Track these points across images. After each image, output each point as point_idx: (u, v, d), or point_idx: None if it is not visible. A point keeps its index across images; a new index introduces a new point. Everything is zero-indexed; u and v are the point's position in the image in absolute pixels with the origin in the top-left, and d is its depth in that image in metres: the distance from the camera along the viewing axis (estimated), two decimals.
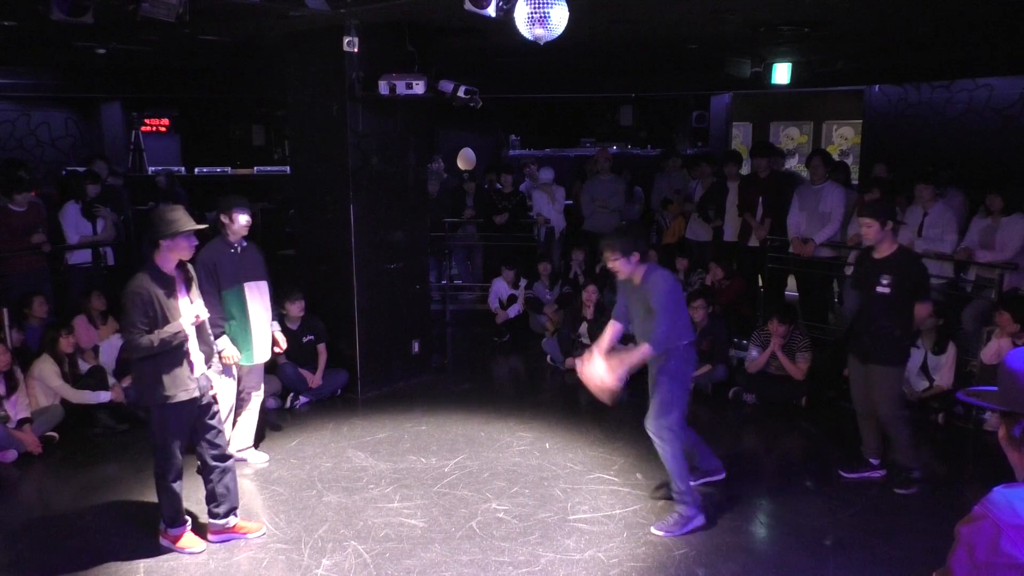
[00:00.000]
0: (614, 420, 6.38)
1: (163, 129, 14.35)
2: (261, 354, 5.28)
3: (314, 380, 6.67)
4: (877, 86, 12.04)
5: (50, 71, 11.56)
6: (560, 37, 5.02)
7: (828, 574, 4.10)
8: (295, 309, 6.65)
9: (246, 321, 5.13)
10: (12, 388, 5.69)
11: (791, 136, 13.79)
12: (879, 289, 4.83)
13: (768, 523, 4.80)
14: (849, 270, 7.66)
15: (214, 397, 4.37)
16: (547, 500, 4.87)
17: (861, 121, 12.64)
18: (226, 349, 4.96)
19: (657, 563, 4.16)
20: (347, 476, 5.24)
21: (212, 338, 4.45)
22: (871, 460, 5.20)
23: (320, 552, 4.26)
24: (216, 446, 4.32)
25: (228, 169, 13.56)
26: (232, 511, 4.39)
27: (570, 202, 10.32)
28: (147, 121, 14.05)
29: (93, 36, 7.55)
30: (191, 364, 4.17)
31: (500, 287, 8.92)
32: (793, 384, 6.56)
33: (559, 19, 4.89)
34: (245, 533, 4.43)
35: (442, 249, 9.78)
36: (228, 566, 4.15)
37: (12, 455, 5.50)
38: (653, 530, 4.46)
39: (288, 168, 9.63)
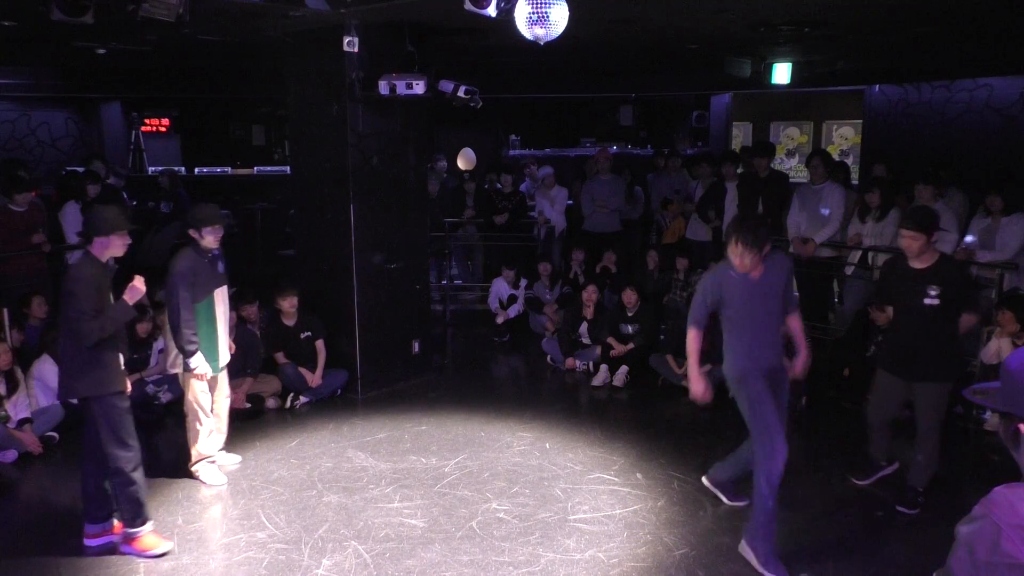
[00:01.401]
0: (614, 420, 6.38)
1: (163, 129, 14.35)
2: (225, 359, 5.25)
3: (314, 379, 6.67)
4: (877, 86, 12.05)
5: (50, 71, 11.58)
6: (560, 37, 5.02)
7: (828, 574, 4.10)
8: (287, 304, 6.67)
9: (215, 329, 5.07)
10: (13, 388, 5.69)
11: (791, 136, 13.79)
12: (927, 301, 4.53)
13: None
14: (850, 270, 7.68)
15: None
16: (547, 500, 4.87)
17: (861, 121, 12.65)
18: (199, 367, 4.92)
19: (657, 563, 4.16)
20: (347, 476, 5.24)
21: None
22: (882, 463, 5.12)
23: (320, 552, 4.26)
24: None
25: (228, 169, 13.57)
26: (113, 513, 4.39)
27: (571, 202, 10.33)
28: (147, 121, 14.05)
29: (93, 36, 7.55)
30: (120, 360, 4.21)
31: (500, 287, 8.92)
32: (793, 384, 6.54)
33: (559, 19, 4.89)
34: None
35: (442, 249, 9.78)
36: (228, 566, 4.15)
37: (12, 455, 5.50)
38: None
39: (288, 168, 9.63)
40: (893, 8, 6.42)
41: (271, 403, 6.55)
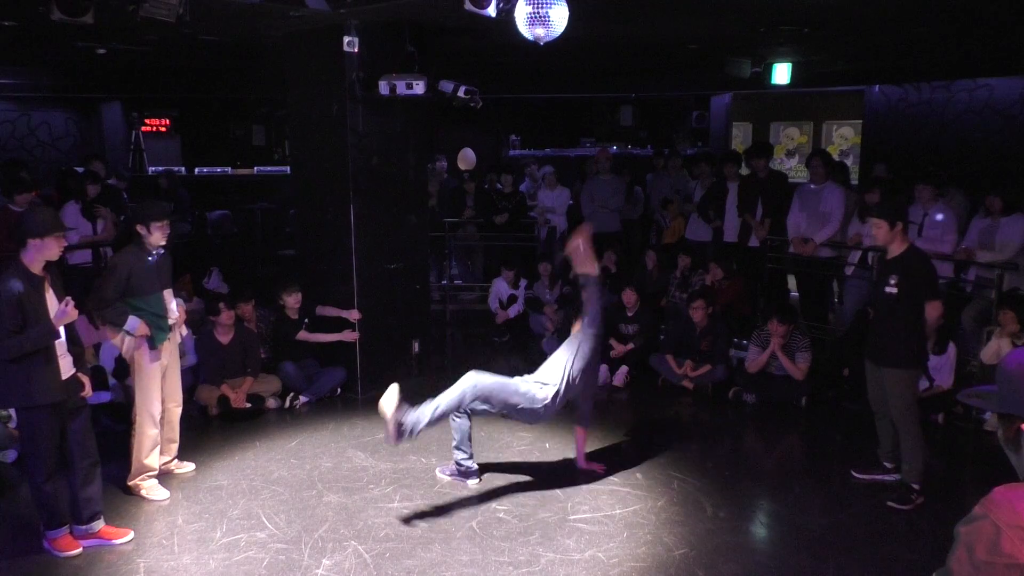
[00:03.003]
0: (614, 420, 6.38)
1: (163, 129, 14.37)
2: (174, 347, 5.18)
3: (354, 313, 6.72)
4: (877, 86, 12.06)
5: (50, 71, 11.58)
6: (560, 37, 5.03)
7: (828, 574, 4.10)
8: (292, 301, 6.71)
9: (166, 328, 4.99)
10: None
11: (791, 136, 13.80)
12: (886, 289, 4.78)
13: (768, 523, 4.80)
14: (850, 270, 7.70)
15: (84, 398, 4.29)
16: (547, 500, 4.87)
17: (861, 121, 12.66)
18: (139, 327, 4.77)
19: (657, 563, 4.16)
20: (347, 476, 5.24)
21: (82, 337, 4.40)
22: (885, 463, 5.13)
23: (320, 552, 4.26)
24: (84, 448, 4.26)
25: (228, 169, 13.59)
26: (96, 516, 4.35)
27: (571, 202, 10.34)
28: (147, 121, 14.08)
29: (93, 36, 7.55)
30: (58, 366, 4.09)
31: (500, 287, 8.93)
32: (793, 384, 6.56)
33: (559, 19, 4.90)
34: (111, 539, 4.35)
35: (442, 249, 9.78)
36: (228, 566, 4.15)
37: (12, 455, 5.50)
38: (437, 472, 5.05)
39: (288, 168, 9.63)
40: (893, 8, 6.42)
41: (271, 403, 6.55)
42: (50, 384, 4.06)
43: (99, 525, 4.37)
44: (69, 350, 4.23)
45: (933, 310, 4.80)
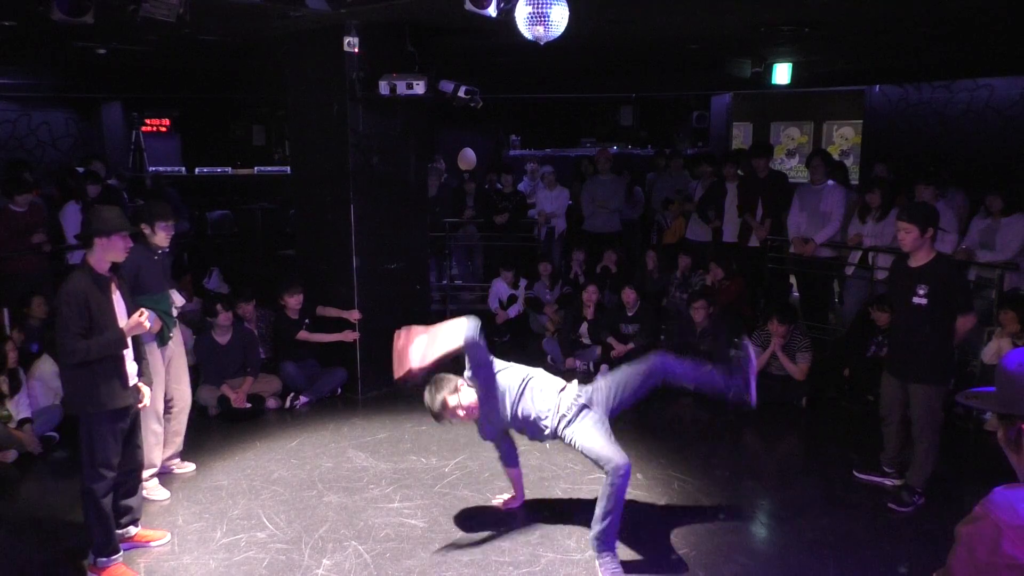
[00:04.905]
0: (614, 420, 6.36)
1: (164, 129, 14.37)
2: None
3: (354, 314, 6.72)
4: (877, 86, 12.06)
5: (50, 71, 11.56)
6: (560, 37, 5.03)
7: (828, 574, 4.10)
8: (293, 302, 6.71)
9: (174, 321, 5.03)
10: (15, 387, 5.70)
11: (791, 136, 13.80)
12: (915, 300, 4.54)
13: (768, 523, 4.80)
14: (850, 270, 7.69)
15: (141, 408, 4.26)
16: (547, 500, 4.87)
17: (861, 121, 12.66)
18: (156, 321, 4.67)
19: (657, 563, 4.16)
20: (347, 476, 5.24)
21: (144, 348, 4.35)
22: (885, 468, 5.10)
23: (320, 552, 4.26)
24: (127, 457, 4.20)
25: (228, 169, 13.59)
26: (133, 522, 4.32)
27: (571, 202, 10.34)
28: (148, 121, 14.07)
29: (93, 36, 7.54)
30: (126, 371, 4.04)
31: (500, 287, 8.92)
32: (793, 384, 6.56)
33: (559, 19, 4.90)
34: (148, 542, 4.34)
35: (442, 249, 9.78)
36: (228, 566, 4.15)
37: (12, 455, 5.50)
38: None
39: (288, 168, 9.63)
40: (893, 8, 6.42)
41: (271, 403, 6.56)
42: (118, 389, 4.00)
43: (134, 530, 4.34)
44: (135, 359, 4.17)
45: (967, 323, 4.62)
